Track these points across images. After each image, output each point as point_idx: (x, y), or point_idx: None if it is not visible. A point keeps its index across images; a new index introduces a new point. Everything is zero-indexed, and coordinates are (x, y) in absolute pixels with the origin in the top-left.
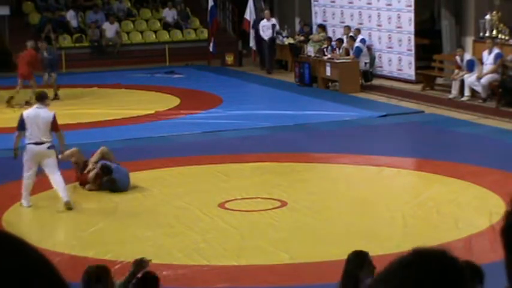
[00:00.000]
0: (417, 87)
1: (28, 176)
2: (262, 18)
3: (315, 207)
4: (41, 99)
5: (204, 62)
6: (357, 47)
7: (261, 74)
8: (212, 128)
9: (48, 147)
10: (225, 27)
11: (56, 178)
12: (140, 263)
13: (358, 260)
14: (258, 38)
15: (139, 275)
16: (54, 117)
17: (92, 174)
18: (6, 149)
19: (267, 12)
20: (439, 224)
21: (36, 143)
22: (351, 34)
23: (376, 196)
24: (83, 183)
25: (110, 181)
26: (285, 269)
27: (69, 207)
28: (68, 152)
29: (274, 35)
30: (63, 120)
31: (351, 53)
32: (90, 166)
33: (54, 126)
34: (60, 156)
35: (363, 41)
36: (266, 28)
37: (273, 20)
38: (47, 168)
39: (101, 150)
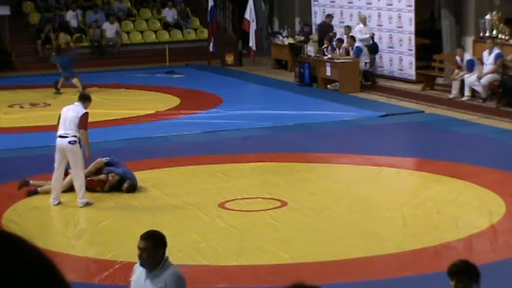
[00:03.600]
0: (417, 87)
1: (56, 176)
2: (327, 23)
3: (315, 207)
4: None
5: (204, 62)
6: (357, 47)
7: (259, 73)
8: (212, 128)
9: (70, 142)
10: (225, 27)
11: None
12: None
13: None
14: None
15: None
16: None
17: (106, 188)
18: (6, 149)
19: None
20: (439, 224)
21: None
22: (352, 34)
23: (376, 196)
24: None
25: (130, 187)
26: (285, 269)
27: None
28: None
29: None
30: None
31: (351, 53)
32: (93, 177)
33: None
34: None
35: None
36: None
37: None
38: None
39: (96, 162)
